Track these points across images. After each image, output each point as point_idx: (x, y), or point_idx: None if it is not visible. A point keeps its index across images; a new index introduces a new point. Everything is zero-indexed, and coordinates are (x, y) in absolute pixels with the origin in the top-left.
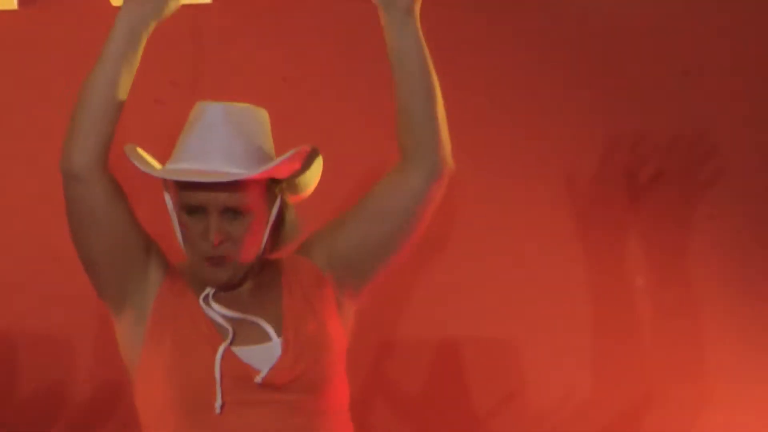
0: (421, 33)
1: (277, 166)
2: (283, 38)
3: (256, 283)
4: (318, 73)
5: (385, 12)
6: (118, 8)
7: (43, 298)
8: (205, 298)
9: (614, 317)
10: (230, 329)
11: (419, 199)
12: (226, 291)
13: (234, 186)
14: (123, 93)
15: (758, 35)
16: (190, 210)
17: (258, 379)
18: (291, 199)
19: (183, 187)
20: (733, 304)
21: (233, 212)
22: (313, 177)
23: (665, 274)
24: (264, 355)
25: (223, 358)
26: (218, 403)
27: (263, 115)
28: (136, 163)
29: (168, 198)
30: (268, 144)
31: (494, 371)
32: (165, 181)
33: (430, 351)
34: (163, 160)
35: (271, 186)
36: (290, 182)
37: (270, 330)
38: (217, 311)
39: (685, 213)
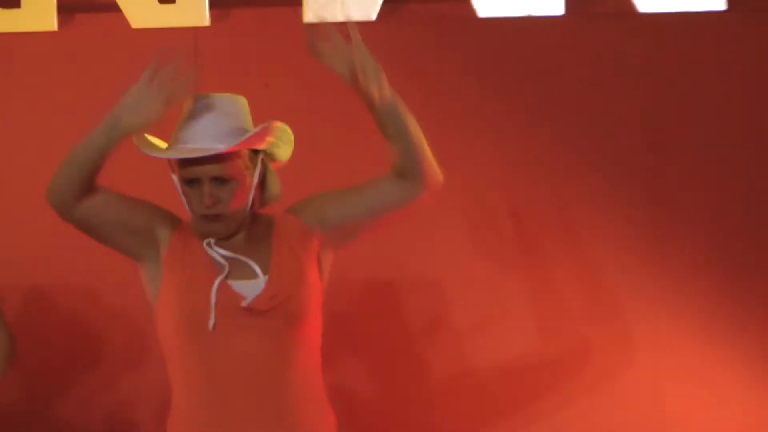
0: (401, 105)
1: (251, 138)
2: (267, 53)
3: (249, 234)
4: (296, 82)
5: (369, 107)
6: (138, 31)
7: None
8: (209, 243)
9: (542, 275)
10: (226, 266)
11: (410, 202)
12: (223, 240)
13: (218, 158)
14: (100, 164)
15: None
16: (188, 182)
17: (243, 303)
18: (273, 165)
19: (181, 164)
20: (642, 261)
21: (220, 180)
22: (286, 146)
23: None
24: (252, 288)
25: (218, 288)
26: (211, 322)
27: (242, 101)
28: (144, 150)
29: (173, 175)
30: (248, 124)
31: (435, 312)
32: (170, 162)
33: (381, 292)
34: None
35: (253, 156)
36: (268, 152)
37: (257, 269)
38: (217, 251)
39: (583, 192)
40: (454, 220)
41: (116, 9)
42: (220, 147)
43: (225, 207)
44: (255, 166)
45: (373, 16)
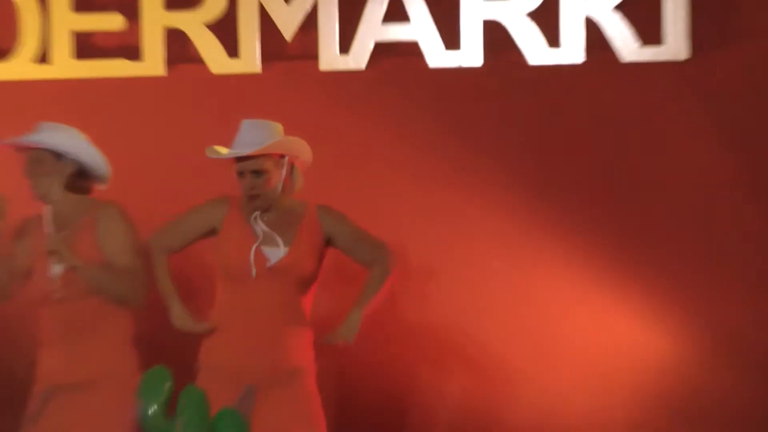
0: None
1: (269, 145)
2: (296, 91)
3: (283, 215)
4: (314, 109)
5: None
6: (216, 75)
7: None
8: (255, 218)
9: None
10: (261, 236)
11: None
12: (262, 212)
13: (254, 158)
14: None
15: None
16: (239, 174)
17: (268, 264)
18: (300, 163)
19: (234, 162)
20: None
21: (257, 173)
22: (304, 151)
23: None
24: (276, 254)
25: (255, 251)
26: (253, 272)
27: (277, 125)
28: (210, 155)
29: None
30: (278, 137)
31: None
32: (233, 163)
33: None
34: (218, 163)
35: (280, 158)
36: (294, 155)
37: (281, 242)
38: (260, 225)
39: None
40: (425, 215)
41: (202, 61)
42: (246, 151)
43: (260, 190)
44: (283, 165)
45: (363, 66)
